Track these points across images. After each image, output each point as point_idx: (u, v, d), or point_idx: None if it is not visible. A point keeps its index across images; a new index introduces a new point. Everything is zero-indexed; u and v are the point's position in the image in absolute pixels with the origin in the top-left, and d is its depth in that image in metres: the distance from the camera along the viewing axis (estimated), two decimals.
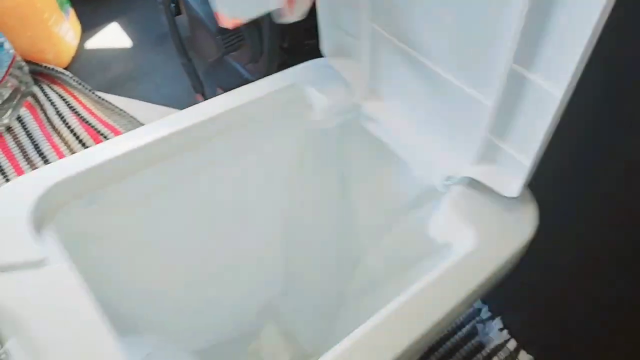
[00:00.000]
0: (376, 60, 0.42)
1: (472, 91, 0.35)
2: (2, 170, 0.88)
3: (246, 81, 0.67)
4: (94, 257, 0.40)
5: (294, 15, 0.49)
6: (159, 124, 0.41)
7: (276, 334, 0.56)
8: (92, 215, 0.39)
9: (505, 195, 0.38)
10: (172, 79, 0.98)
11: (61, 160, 0.38)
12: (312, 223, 0.55)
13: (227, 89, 0.52)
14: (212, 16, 0.51)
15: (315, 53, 0.54)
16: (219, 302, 0.53)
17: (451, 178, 0.39)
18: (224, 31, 0.51)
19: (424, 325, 0.33)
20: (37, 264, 0.32)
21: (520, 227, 0.38)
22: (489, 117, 0.34)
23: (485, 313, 0.76)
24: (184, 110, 0.42)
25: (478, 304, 0.76)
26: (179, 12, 0.58)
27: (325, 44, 0.44)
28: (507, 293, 0.75)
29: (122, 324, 0.38)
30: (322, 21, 0.43)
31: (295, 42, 0.63)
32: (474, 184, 0.39)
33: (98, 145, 0.40)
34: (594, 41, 0.28)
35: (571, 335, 0.67)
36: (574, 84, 0.30)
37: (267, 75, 0.65)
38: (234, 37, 0.53)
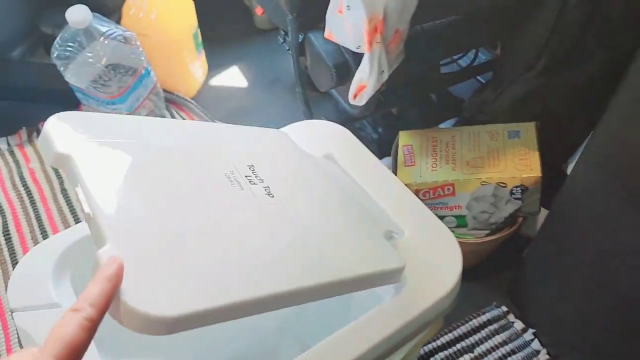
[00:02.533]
0: None
1: None
2: None
3: (346, 115, 0.80)
4: None
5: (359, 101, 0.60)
6: None
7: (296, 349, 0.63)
8: None
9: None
10: (279, 115, 1.14)
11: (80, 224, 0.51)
12: None
13: (329, 120, 0.63)
14: (330, 53, 0.64)
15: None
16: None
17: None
18: (338, 67, 0.64)
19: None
20: (53, 305, 0.45)
21: (438, 286, 0.45)
22: None
23: (543, 355, 0.80)
24: None
25: (537, 346, 0.81)
26: (303, 53, 0.72)
27: None
28: (567, 338, 0.78)
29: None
30: None
31: (390, 87, 0.74)
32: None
33: None
34: None
35: None
36: None
37: (365, 112, 0.77)
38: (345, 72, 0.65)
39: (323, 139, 0.58)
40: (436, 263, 0.47)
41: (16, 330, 0.84)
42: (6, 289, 0.89)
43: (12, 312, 0.46)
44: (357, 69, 0.61)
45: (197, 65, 1.19)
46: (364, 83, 0.55)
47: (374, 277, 0.41)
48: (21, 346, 0.84)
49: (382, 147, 0.91)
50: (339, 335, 0.42)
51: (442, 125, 0.90)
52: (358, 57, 0.61)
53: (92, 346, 0.43)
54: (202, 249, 0.34)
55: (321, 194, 0.47)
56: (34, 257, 0.49)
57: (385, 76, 0.55)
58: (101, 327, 0.29)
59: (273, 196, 0.42)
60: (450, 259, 0.47)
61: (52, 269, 0.48)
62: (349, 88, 0.66)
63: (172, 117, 1.13)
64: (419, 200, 0.53)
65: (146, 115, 1.08)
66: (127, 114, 1.03)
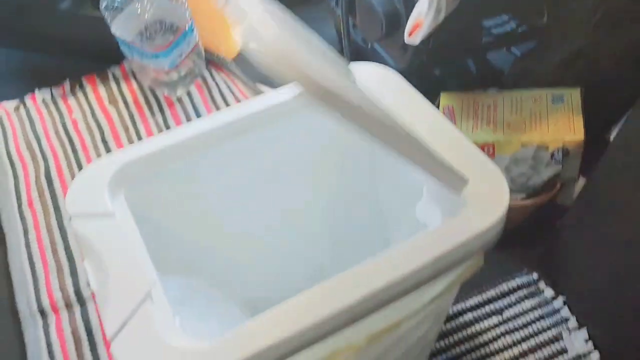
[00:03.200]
0: None
1: None
2: None
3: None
4: (153, 215, 0.55)
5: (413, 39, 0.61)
6: (210, 117, 0.56)
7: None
8: (156, 185, 0.54)
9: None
10: None
11: (136, 144, 0.54)
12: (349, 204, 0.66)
13: None
14: (380, 2, 0.65)
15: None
16: (267, 261, 0.64)
17: None
18: (388, 15, 0.65)
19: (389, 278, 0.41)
20: (108, 215, 0.48)
21: (481, 218, 0.45)
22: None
23: (572, 323, 0.80)
24: (235, 106, 0.57)
25: (566, 314, 0.81)
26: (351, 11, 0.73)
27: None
28: (597, 308, 0.78)
29: (174, 268, 0.52)
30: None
31: (434, 46, 0.74)
32: None
33: (167, 133, 0.55)
34: None
35: None
36: None
37: (410, 66, 0.77)
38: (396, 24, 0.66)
39: (378, 83, 0.58)
40: (484, 197, 0.47)
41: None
42: (46, 229, 0.92)
43: (70, 218, 0.47)
44: (407, 18, 0.62)
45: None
46: (422, 19, 0.55)
47: (444, 168, 0.41)
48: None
49: None
50: (384, 256, 0.43)
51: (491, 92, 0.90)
52: (409, 6, 0.61)
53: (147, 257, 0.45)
54: None
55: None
56: (92, 170, 0.51)
57: (442, 17, 0.56)
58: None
59: None
60: (497, 194, 0.47)
61: (108, 182, 0.49)
62: (396, 42, 0.67)
63: (212, 76, 1.15)
64: (473, 145, 0.53)
65: (187, 72, 1.10)
66: (169, 70, 1.05)
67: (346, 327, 0.42)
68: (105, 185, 0.49)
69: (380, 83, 0.59)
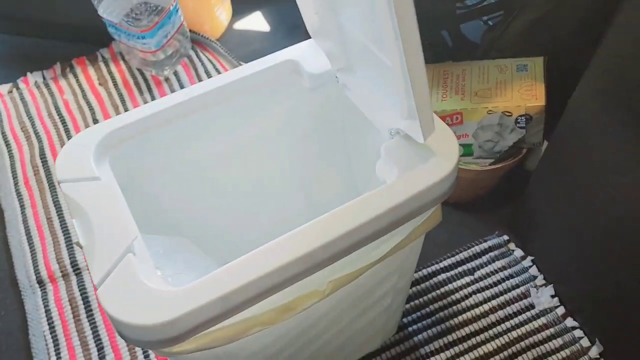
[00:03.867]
0: (344, 41, 0.55)
1: (387, 60, 0.46)
2: None
3: None
4: (139, 180, 0.59)
5: None
6: (191, 88, 0.59)
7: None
8: (141, 152, 0.58)
9: (419, 142, 0.50)
10: None
11: (122, 114, 0.58)
12: (321, 168, 0.70)
13: None
14: None
15: None
16: (246, 223, 0.68)
17: (392, 131, 0.52)
18: None
19: (347, 227, 0.45)
20: (94, 179, 0.51)
21: (434, 171, 0.49)
22: (397, 79, 0.45)
23: (540, 280, 0.85)
24: (209, 80, 0.60)
25: (534, 272, 0.86)
26: None
27: (307, 27, 0.58)
28: (563, 266, 0.83)
29: (158, 229, 0.56)
30: (302, 8, 0.56)
31: None
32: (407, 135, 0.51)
33: (149, 103, 0.58)
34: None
35: (613, 309, 0.74)
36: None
37: None
38: None
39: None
40: (437, 154, 0.51)
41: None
42: (42, 206, 0.96)
43: (59, 183, 0.52)
44: None
45: (222, 9, 1.23)
46: None
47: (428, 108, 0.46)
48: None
49: None
50: (341, 209, 0.47)
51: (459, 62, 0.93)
52: None
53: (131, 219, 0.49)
54: None
55: None
56: (79, 139, 0.55)
57: None
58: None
59: None
60: (448, 151, 0.51)
61: (94, 150, 0.54)
62: None
63: (198, 56, 1.19)
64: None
65: (173, 52, 1.13)
66: (156, 50, 1.09)
67: (309, 273, 0.47)
68: (91, 152, 0.54)
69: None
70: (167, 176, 0.62)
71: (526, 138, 0.80)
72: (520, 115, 0.77)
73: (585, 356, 0.78)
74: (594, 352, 0.78)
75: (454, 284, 0.85)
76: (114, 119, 0.57)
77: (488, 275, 0.86)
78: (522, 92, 0.78)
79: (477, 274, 0.86)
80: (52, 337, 0.82)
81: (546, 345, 0.79)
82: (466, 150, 0.83)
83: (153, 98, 1.13)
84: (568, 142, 0.72)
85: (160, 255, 0.54)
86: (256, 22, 1.30)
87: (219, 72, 1.15)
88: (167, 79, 1.16)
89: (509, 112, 0.78)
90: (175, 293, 0.43)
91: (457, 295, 0.84)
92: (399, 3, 0.38)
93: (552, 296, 0.84)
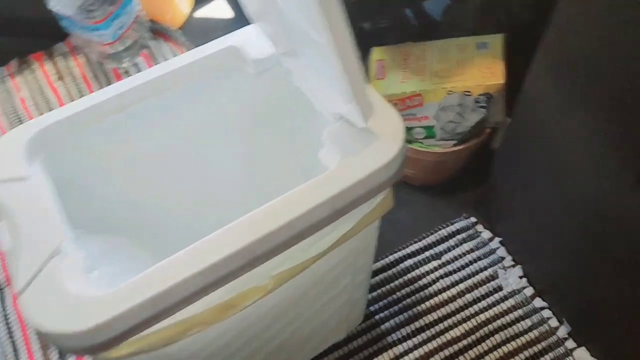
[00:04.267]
0: (285, 24, 0.53)
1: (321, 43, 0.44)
2: None
3: None
4: (75, 177, 0.56)
5: None
6: (130, 79, 0.56)
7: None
8: (76, 148, 0.55)
9: (359, 127, 0.48)
10: None
11: (55, 110, 0.54)
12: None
13: None
14: None
15: None
16: (195, 216, 0.66)
17: (336, 116, 0.50)
18: None
19: (285, 219, 0.43)
20: (25, 178, 0.49)
21: (378, 156, 0.47)
22: (333, 62, 0.43)
23: (508, 261, 0.84)
24: (150, 69, 0.57)
25: (502, 253, 0.84)
26: None
27: (247, 10, 0.56)
28: (530, 246, 0.82)
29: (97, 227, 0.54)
30: None
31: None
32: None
33: (85, 97, 0.55)
34: None
35: (581, 286, 0.73)
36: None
37: None
38: None
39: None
40: (380, 138, 0.49)
41: None
42: None
43: None
44: None
45: None
46: None
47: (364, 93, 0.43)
48: None
49: None
50: (279, 200, 0.45)
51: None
52: None
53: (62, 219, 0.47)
54: None
55: None
56: (9, 138, 0.52)
57: None
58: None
59: None
60: (392, 131, 0.49)
61: (24, 148, 0.51)
62: None
63: (159, 47, 1.15)
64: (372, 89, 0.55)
65: (132, 44, 1.10)
66: (113, 42, 1.06)
67: (248, 269, 0.45)
68: (21, 151, 0.51)
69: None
70: (107, 172, 0.60)
71: (488, 117, 0.78)
72: (480, 94, 0.75)
73: (554, 336, 0.77)
74: (562, 331, 0.77)
75: (421, 269, 0.84)
76: (47, 115, 0.55)
77: (455, 258, 0.85)
78: (482, 70, 0.76)
79: (445, 257, 0.85)
80: (10, 342, 0.80)
81: (515, 327, 0.78)
82: (428, 133, 0.81)
83: None
84: (527, 120, 0.70)
85: (98, 255, 0.52)
86: (219, 9, 1.26)
87: None
88: (127, 72, 1.12)
89: (469, 92, 0.76)
90: (101, 298, 0.41)
91: (424, 281, 0.83)
92: None
93: (521, 277, 0.82)
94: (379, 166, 0.47)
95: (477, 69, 0.76)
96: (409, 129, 0.82)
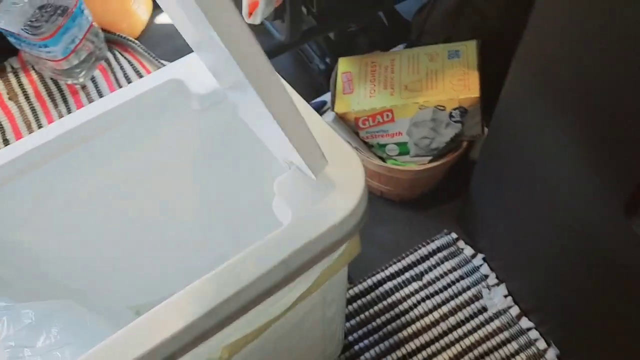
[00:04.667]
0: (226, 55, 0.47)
1: None
2: None
3: (278, 43, 0.75)
4: (10, 237, 0.51)
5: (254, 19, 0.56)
6: (53, 125, 0.50)
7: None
8: (8, 202, 0.50)
9: (312, 177, 0.42)
10: None
11: None
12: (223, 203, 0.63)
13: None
14: None
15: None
16: (156, 264, 0.60)
17: (287, 161, 0.45)
18: None
19: (230, 291, 0.38)
20: None
21: (335, 210, 0.42)
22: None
23: (492, 279, 0.79)
24: (79, 111, 0.51)
25: (485, 270, 0.80)
26: None
27: (186, 38, 0.49)
28: (514, 262, 0.78)
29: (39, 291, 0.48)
30: (176, 23, 0.46)
31: (325, 7, 0.68)
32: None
33: (12, 145, 0.49)
34: None
35: (569, 305, 0.69)
36: None
37: (291, 38, 0.72)
38: None
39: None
40: (339, 187, 0.44)
41: None
42: None
43: None
44: None
45: (140, 3, 1.12)
46: None
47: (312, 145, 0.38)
48: None
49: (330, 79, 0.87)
50: (229, 265, 0.40)
51: (397, 49, 0.85)
52: None
53: None
54: None
55: None
56: None
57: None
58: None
59: None
60: (351, 178, 0.44)
61: None
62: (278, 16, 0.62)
63: (116, 58, 1.08)
64: (326, 125, 0.50)
65: (87, 56, 1.03)
66: (63, 58, 0.99)
67: (193, 346, 0.40)
68: None
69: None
70: (44, 226, 0.54)
71: (464, 131, 0.73)
72: (454, 109, 0.70)
73: (542, 359, 0.73)
74: (551, 354, 0.73)
75: (401, 292, 0.79)
76: None
77: (437, 278, 0.80)
78: (455, 82, 0.70)
79: (426, 278, 0.80)
80: None
81: (501, 350, 0.74)
82: (401, 149, 0.76)
83: (69, 109, 1.03)
84: (505, 133, 0.65)
85: (30, 327, 0.47)
86: None
87: (140, 75, 1.05)
88: (84, 87, 1.06)
89: (442, 106, 0.70)
90: None
91: (406, 305, 0.78)
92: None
93: (505, 296, 0.78)
94: (334, 222, 0.42)
95: (450, 82, 0.71)
96: (381, 146, 0.76)
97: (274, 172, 0.56)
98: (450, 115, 0.71)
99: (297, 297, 0.45)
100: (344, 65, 0.79)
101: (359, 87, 0.75)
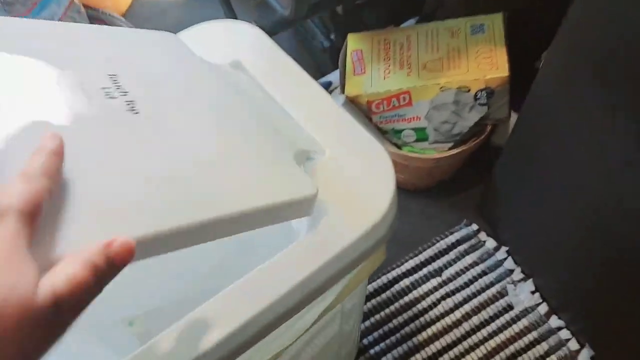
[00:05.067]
0: None
1: None
2: None
3: (282, 19, 0.67)
4: None
5: None
6: None
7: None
8: None
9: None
10: None
11: None
12: None
13: (259, 25, 0.52)
14: None
15: None
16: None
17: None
18: None
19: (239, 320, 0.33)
20: None
21: (360, 219, 0.36)
22: None
23: (517, 274, 0.73)
24: None
25: (510, 265, 0.74)
26: None
27: None
28: (541, 255, 0.72)
29: None
30: None
31: None
32: None
33: None
34: None
35: (604, 301, 0.64)
36: None
37: (297, 13, 0.64)
38: None
39: (231, 43, 0.46)
40: (364, 187, 0.37)
41: None
42: None
43: None
44: None
45: None
46: None
47: (274, 210, 0.32)
48: None
49: (335, 57, 0.79)
50: (243, 282, 0.34)
51: (406, 25, 0.77)
52: None
53: None
54: None
55: (212, 108, 0.37)
56: None
57: None
58: None
59: (137, 112, 0.32)
60: (381, 182, 0.37)
61: None
62: None
63: None
64: (346, 113, 0.43)
65: None
66: None
67: None
68: None
69: (236, 44, 0.47)
70: None
71: (490, 114, 0.66)
72: (480, 90, 0.63)
73: None
74: (584, 356, 0.67)
75: (420, 289, 0.73)
76: None
77: (458, 274, 0.74)
78: (480, 60, 0.63)
79: (446, 274, 0.74)
80: None
81: (530, 353, 0.69)
82: (419, 135, 0.69)
83: None
84: (539, 115, 0.58)
85: None
86: None
87: None
88: None
89: (466, 87, 0.63)
90: None
91: (424, 304, 0.72)
92: None
93: (532, 292, 0.72)
94: (366, 229, 0.35)
95: (475, 59, 0.63)
96: (396, 132, 0.69)
97: None
98: (476, 97, 0.63)
99: (318, 315, 0.39)
100: (353, 42, 0.71)
101: (371, 67, 0.68)
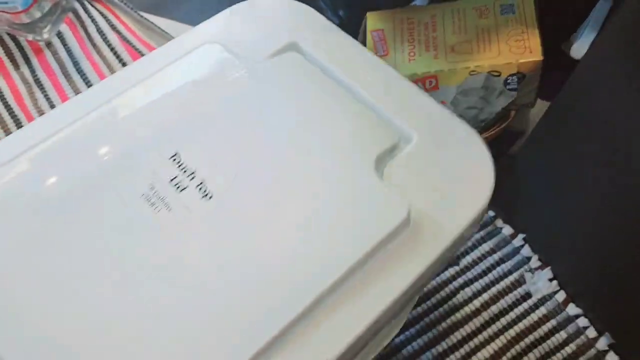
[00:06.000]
0: None
1: None
2: (42, 86, 0.86)
3: None
4: None
5: None
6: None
7: None
8: None
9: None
10: (214, 2, 0.94)
11: None
12: None
13: None
14: None
15: None
16: None
17: None
18: None
19: None
20: None
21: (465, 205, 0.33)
22: None
23: (534, 262, 0.72)
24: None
25: (527, 252, 0.73)
26: None
27: None
28: (560, 242, 0.71)
29: None
30: None
31: None
32: None
33: None
34: None
35: (622, 287, 0.63)
36: None
37: None
38: None
39: (281, 22, 0.42)
40: (459, 178, 0.34)
41: None
42: None
43: None
44: None
45: None
46: None
47: (367, 258, 0.29)
48: None
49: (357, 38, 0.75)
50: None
51: (418, 3, 0.74)
52: None
53: None
54: None
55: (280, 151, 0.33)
56: None
57: None
58: None
59: (211, 197, 0.28)
60: (478, 170, 0.35)
61: None
62: None
63: (86, 10, 0.92)
64: (424, 93, 0.39)
65: (52, 8, 0.87)
66: (23, 10, 0.83)
67: None
68: None
69: (286, 23, 0.43)
70: None
71: (517, 99, 0.64)
72: (511, 75, 0.60)
73: (593, 349, 0.68)
74: (602, 343, 0.67)
75: (438, 279, 0.71)
76: None
77: (475, 262, 0.73)
78: (512, 44, 0.60)
79: (463, 262, 0.72)
80: None
81: (549, 341, 0.68)
82: None
83: (33, 71, 0.87)
84: (576, 103, 0.56)
85: None
86: None
87: (116, 30, 0.90)
88: (49, 44, 0.90)
89: (497, 72, 0.60)
90: None
91: (443, 293, 0.71)
92: None
93: (550, 280, 0.72)
94: (467, 224, 0.33)
95: (506, 42, 0.61)
96: None
97: None
98: (506, 82, 0.61)
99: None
100: (373, 21, 0.67)
101: (394, 48, 0.64)
